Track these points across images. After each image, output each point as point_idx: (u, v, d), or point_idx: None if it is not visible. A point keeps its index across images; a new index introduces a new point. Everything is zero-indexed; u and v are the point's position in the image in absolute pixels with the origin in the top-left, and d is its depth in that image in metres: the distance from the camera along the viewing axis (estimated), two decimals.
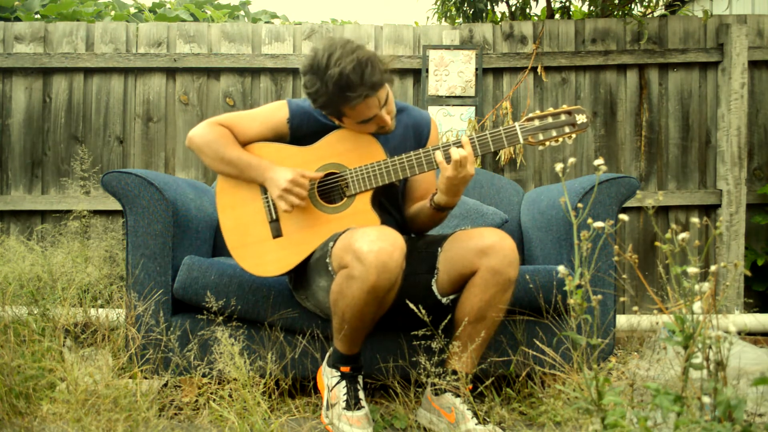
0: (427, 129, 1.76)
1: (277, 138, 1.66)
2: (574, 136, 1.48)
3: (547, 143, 1.48)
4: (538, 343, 1.71)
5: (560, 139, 1.47)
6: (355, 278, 1.36)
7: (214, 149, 1.61)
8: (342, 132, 1.61)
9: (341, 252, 1.42)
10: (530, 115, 1.49)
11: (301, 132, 1.65)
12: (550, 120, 1.47)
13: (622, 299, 1.17)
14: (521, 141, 1.48)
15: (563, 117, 1.48)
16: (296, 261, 1.60)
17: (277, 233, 1.61)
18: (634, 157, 2.97)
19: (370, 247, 1.34)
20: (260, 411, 1.35)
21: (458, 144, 1.48)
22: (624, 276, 2.89)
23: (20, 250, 2.22)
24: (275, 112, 1.66)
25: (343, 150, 1.59)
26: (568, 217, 1.78)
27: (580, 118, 1.47)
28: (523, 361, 1.71)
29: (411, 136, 1.73)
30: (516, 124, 1.48)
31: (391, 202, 1.71)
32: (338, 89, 1.43)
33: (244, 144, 1.65)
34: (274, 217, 1.62)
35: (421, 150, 1.53)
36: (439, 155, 1.48)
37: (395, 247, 1.36)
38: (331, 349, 1.56)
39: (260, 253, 1.62)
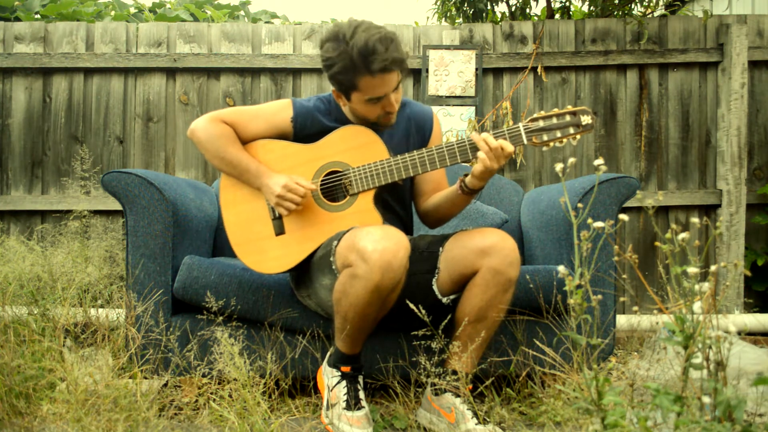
0: (429, 123, 1.76)
1: (279, 137, 1.66)
2: (578, 137, 1.46)
3: (551, 144, 1.47)
4: (538, 343, 1.71)
5: (564, 140, 1.46)
6: (359, 277, 1.36)
7: (215, 146, 1.62)
8: (345, 130, 1.61)
9: (345, 251, 1.42)
10: (535, 115, 1.47)
11: (305, 131, 1.65)
12: (554, 120, 1.46)
13: (622, 299, 1.17)
14: (525, 142, 1.47)
15: (568, 117, 1.46)
16: (299, 259, 1.60)
17: (279, 231, 1.62)
18: (634, 157, 2.97)
19: (375, 246, 1.34)
20: (260, 411, 1.35)
21: (465, 142, 1.49)
22: (624, 276, 2.89)
23: (20, 250, 2.22)
24: (280, 112, 1.66)
25: (347, 148, 1.60)
26: (568, 217, 1.78)
27: (585, 119, 1.45)
28: (523, 361, 1.71)
29: (414, 130, 1.73)
30: (520, 124, 1.47)
31: (396, 199, 1.71)
32: (362, 56, 1.43)
33: (247, 142, 1.65)
34: (277, 214, 1.62)
35: (424, 150, 1.53)
36: (483, 144, 1.45)
37: (399, 247, 1.36)
38: (332, 348, 1.56)
39: (263, 250, 1.62)
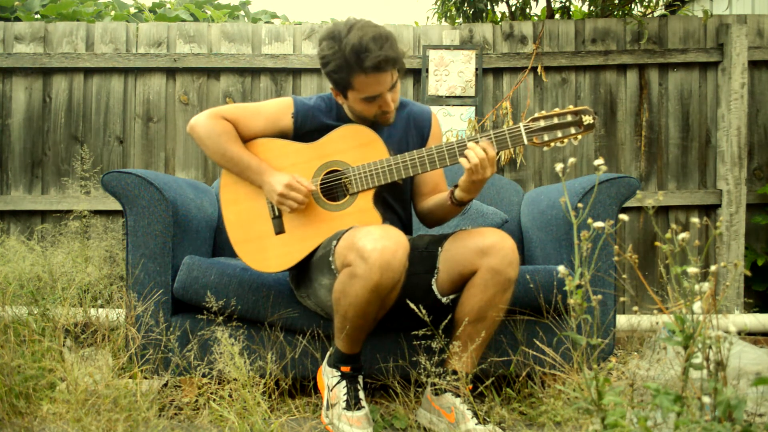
0: (428, 123, 1.76)
1: (280, 134, 1.66)
2: (579, 137, 1.45)
3: (552, 144, 1.46)
4: (538, 343, 1.71)
5: (565, 140, 1.45)
6: (359, 276, 1.36)
7: (216, 142, 1.62)
8: (346, 129, 1.61)
9: (345, 250, 1.42)
10: (536, 115, 1.46)
11: (305, 129, 1.66)
12: (555, 120, 1.46)
13: (622, 299, 1.17)
14: (525, 142, 1.46)
15: (569, 117, 1.45)
16: (298, 258, 1.60)
17: (279, 229, 1.62)
18: (634, 157, 2.97)
19: (374, 245, 1.34)
20: (260, 411, 1.35)
21: (465, 142, 1.48)
22: (624, 276, 2.89)
23: (20, 250, 2.21)
24: (280, 109, 1.66)
25: (347, 147, 1.60)
26: (568, 217, 1.78)
27: (587, 119, 1.44)
28: (523, 361, 1.71)
29: (413, 130, 1.74)
30: (521, 124, 1.47)
31: (396, 199, 1.71)
32: (355, 54, 1.44)
33: (248, 140, 1.66)
34: (277, 213, 1.62)
35: (424, 150, 1.53)
36: (464, 160, 1.46)
37: (399, 246, 1.36)
38: (332, 348, 1.56)
39: (262, 249, 1.62)
